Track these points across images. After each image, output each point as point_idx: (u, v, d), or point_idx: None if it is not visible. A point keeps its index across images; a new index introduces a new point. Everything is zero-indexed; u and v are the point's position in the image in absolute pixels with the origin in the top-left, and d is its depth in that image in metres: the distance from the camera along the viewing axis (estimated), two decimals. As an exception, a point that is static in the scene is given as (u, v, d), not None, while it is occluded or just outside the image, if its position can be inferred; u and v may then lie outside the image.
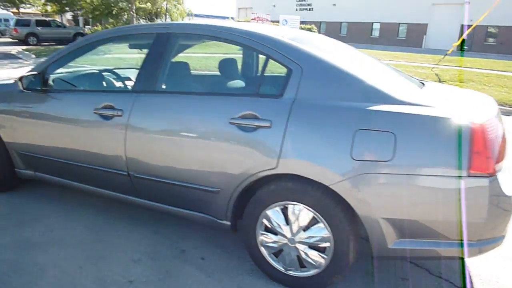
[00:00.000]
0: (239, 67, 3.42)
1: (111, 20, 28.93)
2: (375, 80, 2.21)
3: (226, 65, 3.41)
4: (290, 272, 2.35)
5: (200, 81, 3.58)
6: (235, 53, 3.51)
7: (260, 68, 2.84)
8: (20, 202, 3.35)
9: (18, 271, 2.44)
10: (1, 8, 38.19)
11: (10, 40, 26.06)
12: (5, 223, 3.01)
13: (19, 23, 24.48)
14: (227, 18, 45.27)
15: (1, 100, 3.20)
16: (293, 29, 2.87)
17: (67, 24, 31.47)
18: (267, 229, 2.35)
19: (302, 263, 2.30)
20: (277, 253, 2.37)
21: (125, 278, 2.42)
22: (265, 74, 2.42)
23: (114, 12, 26.69)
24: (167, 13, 28.24)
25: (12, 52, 18.99)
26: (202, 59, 11.55)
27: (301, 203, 2.19)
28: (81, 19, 40.75)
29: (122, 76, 3.69)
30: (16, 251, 2.65)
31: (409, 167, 1.93)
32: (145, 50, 2.73)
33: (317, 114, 2.11)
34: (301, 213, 2.22)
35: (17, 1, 37.24)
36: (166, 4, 27.26)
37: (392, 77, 2.56)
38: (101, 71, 3.69)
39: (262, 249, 2.40)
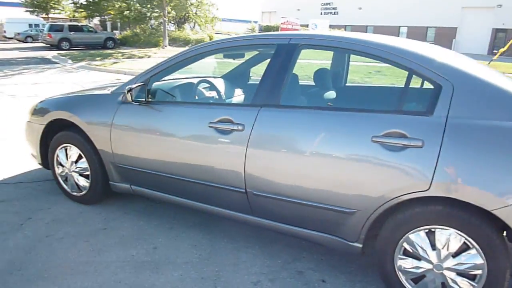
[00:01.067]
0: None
1: (139, 26, 29.24)
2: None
3: (324, 75, 3.30)
4: (432, 300, 2.20)
5: (323, 94, 3.42)
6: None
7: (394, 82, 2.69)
8: (114, 217, 3.26)
9: (140, 293, 2.36)
10: (31, 13, 39.03)
11: (43, 45, 26.44)
12: (106, 239, 2.92)
13: (53, 28, 24.83)
14: (250, 21, 45.15)
15: (99, 112, 3.12)
16: (422, 43, 2.72)
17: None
18: (407, 254, 2.21)
19: (447, 291, 2.15)
20: (417, 279, 2.22)
21: (251, 302, 2.31)
22: (408, 89, 2.27)
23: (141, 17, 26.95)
24: (195, 19, 28.33)
25: (47, 57, 19.35)
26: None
27: (452, 227, 2.04)
28: (108, 23, 41.30)
29: (216, 86, 3.59)
30: (129, 271, 2.56)
31: None
32: (240, 60, 2.61)
33: (477, 134, 1.96)
34: (451, 238, 2.07)
35: (47, 6, 37.95)
36: (196, 11, 27.33)
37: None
38: (199, 81, 3.58)
39: (400, 274, 2.26)
